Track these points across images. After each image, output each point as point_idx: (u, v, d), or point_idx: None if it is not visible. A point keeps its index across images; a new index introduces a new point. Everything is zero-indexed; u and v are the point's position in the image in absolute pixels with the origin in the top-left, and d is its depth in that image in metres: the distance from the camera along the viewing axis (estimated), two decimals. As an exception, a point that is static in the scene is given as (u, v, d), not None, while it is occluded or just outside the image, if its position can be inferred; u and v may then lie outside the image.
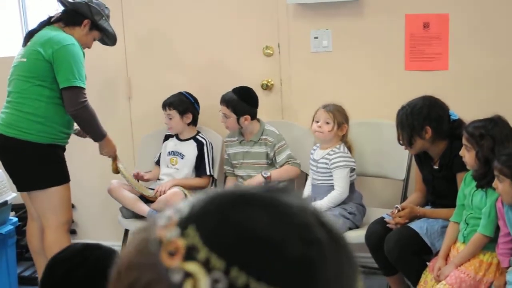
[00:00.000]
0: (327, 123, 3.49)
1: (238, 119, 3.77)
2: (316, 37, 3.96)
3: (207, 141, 4.00)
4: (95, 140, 3.56)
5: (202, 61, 4.20)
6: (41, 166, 3.43)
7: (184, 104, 3.96)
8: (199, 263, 0.61)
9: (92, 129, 3.50)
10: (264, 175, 3.71)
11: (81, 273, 1.55)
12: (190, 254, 0.62)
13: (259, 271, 0.60)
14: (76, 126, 3.59)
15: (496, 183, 2.77)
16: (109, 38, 3.63)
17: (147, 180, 4.02)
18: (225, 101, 3.79)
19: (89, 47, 3.61)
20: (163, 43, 4.25)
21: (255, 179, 3.74)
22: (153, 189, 3.93)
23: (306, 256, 0.62)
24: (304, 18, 3.96)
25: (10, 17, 4.62)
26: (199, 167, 3.98)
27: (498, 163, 2.76)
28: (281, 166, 3.79)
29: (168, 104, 3.96)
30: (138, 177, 3.96)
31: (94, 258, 1.59)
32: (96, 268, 1.56)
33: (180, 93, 4.01)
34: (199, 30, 4.16)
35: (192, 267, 0.62)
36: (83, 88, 3.37)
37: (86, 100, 3.38)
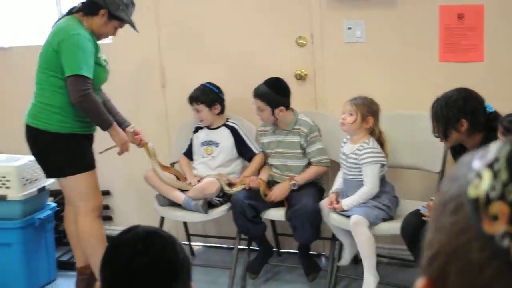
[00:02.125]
0: (351, 114, 3.50)
1: (273, 111, 3.80)
2: (349, 28, 3.97)
3: (238, 125, 4.05)
4: (102, 129, 3.56)
5: (235, 51, 4.22)
6: (62, 155, 3.51)
7: (210, 96, 3.99)
8: (493, 171, 0.64)
9: (96, 118, 3.50)
10: (293, 187, 3.77)
11: (144, 261, 1.58)
12: (491, 164, 0.65)
13: None
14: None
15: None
16: (131, 26, 3.63)
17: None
18: (258, 94, 3.81)
19: (113, 35, 3.65)
20: (196, 34, 4.28)
21: (282, 188, 3.78)
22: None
23: None
24: (337, 8, 3.97)
25: (47, 6, 4.69)
26: (244, 152, 4.02)
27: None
28: (309, 158, 3.83)
29: (195, 99, 3.99)
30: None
31: (157, 246, 1.62)
32: (158, 257, 1.61)
33: (204, 86, 4.03)
34: (232, 21, 4.19)
35: (487, 173, 0.64)
36: (87, 77, 3.38)
37: (88, 89, 3.39)
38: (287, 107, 3.83)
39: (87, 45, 3.42)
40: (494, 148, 0.68)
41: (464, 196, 0.66)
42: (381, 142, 3.57)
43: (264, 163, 4.00)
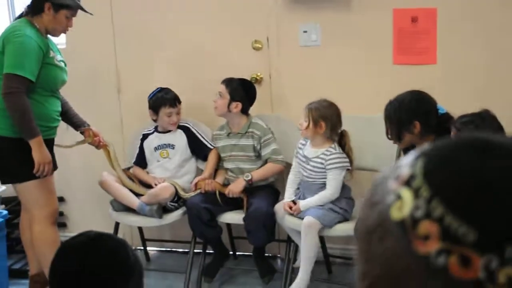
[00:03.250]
0: (305, 120, 3.52)
1: (229, 103, 3.79)
2: (305, 31, 3.98)
3: (190, 124, 4.03)
4: (25, 138, 3.35)
5: (191, 55, 4.20)
6: (17, 160, 3.41)
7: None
8: (412, 190, 0.63)
9: (20, 123, 3.33)
10: (246, 178, 3.76)
11: (95, 262, 1.57)
12: (408, 182, 0.64)
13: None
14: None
15: None
16: (81, 9, 3.51)
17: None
18: (226, 81, 3.84)
19: (70, 27, 3.53)
20: (152, 37, 4.25)
21: (237, 183, 3.78)
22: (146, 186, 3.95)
23: None
24: (293, 12, 3.98)
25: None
26: (199, 149, 4.00)
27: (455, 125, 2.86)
28: (264, 160, 3.84)
29: (178, 100, 3.96)
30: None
31: (108, 247, 1.61)
32: (109, 258, 1.59)
33: (167, 88, 3.98)
34: (189, 25, 4.17)
35: (407, 193, 0.63)
36: (22, 77, 3.27)
37: (19, 88, 3.27)
38: (245, 109, 3.84)
39: (31, 45, 3.33)
40: (406, 164, 0.66)
41: (388, 221, 0.63)
42: (342, 145, 3.57)
43: (218, 166, 3.99)
